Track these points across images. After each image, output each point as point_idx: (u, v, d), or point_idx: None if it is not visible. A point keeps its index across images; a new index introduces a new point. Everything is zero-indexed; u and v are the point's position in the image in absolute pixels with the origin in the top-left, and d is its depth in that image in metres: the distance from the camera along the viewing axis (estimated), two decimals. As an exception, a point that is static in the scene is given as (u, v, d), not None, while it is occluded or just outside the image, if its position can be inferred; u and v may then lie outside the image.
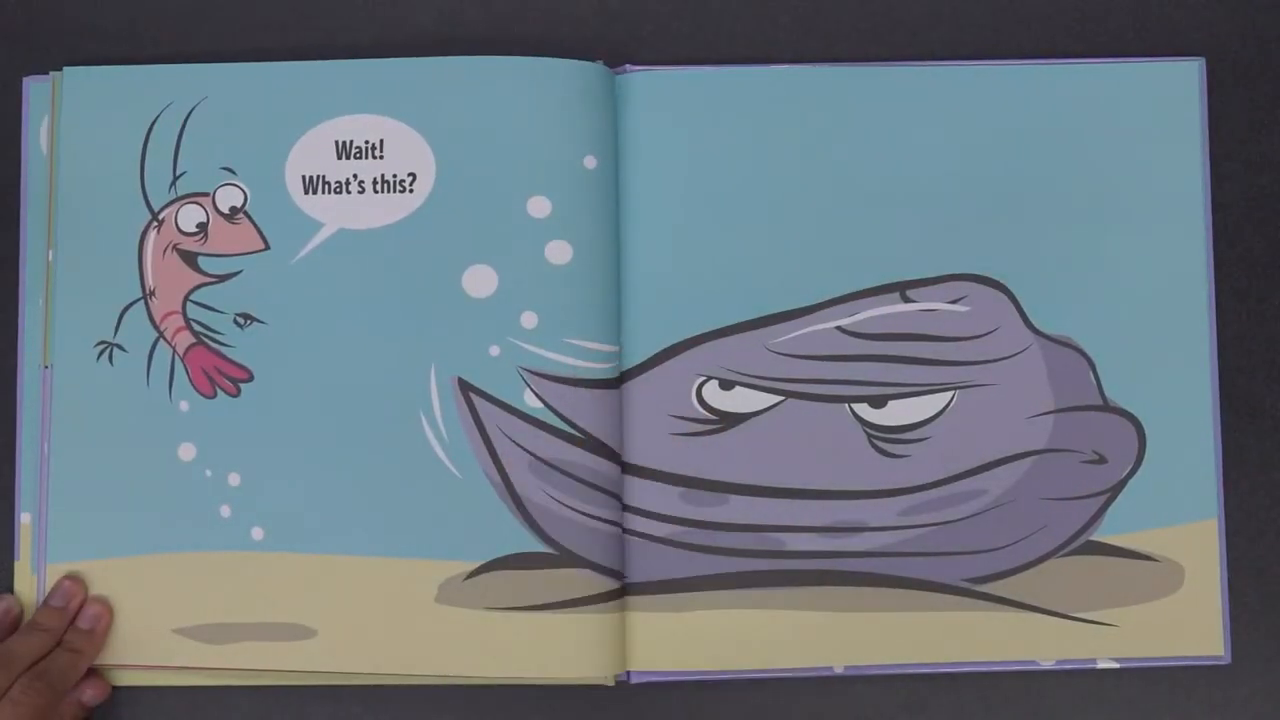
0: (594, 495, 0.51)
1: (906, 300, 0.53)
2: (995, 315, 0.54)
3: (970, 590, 0.53)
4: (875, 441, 0.53)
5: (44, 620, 0.50)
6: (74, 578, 0.51)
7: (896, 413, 0.53)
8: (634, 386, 0.53)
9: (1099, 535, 0.53)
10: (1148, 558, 0.53)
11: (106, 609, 0.51)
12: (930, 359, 0.53)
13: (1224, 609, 0.53)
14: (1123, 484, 0.54)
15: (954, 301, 0.54)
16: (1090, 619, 0.53)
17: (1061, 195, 0.54)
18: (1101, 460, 0.54)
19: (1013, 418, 0.54)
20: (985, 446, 0.53)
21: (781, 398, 0.53)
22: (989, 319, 0.54)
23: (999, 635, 0.53)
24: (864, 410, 0.53)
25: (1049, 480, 0.53)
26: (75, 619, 0.51)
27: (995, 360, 0.54)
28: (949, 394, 0.53)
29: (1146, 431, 0.54)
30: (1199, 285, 0.54)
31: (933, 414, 0.53)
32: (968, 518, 0.53)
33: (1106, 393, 0.54)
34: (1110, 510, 0.53)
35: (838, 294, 0.53)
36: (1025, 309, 0.54)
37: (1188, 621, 0.53)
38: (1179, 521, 0.53)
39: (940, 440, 0.53)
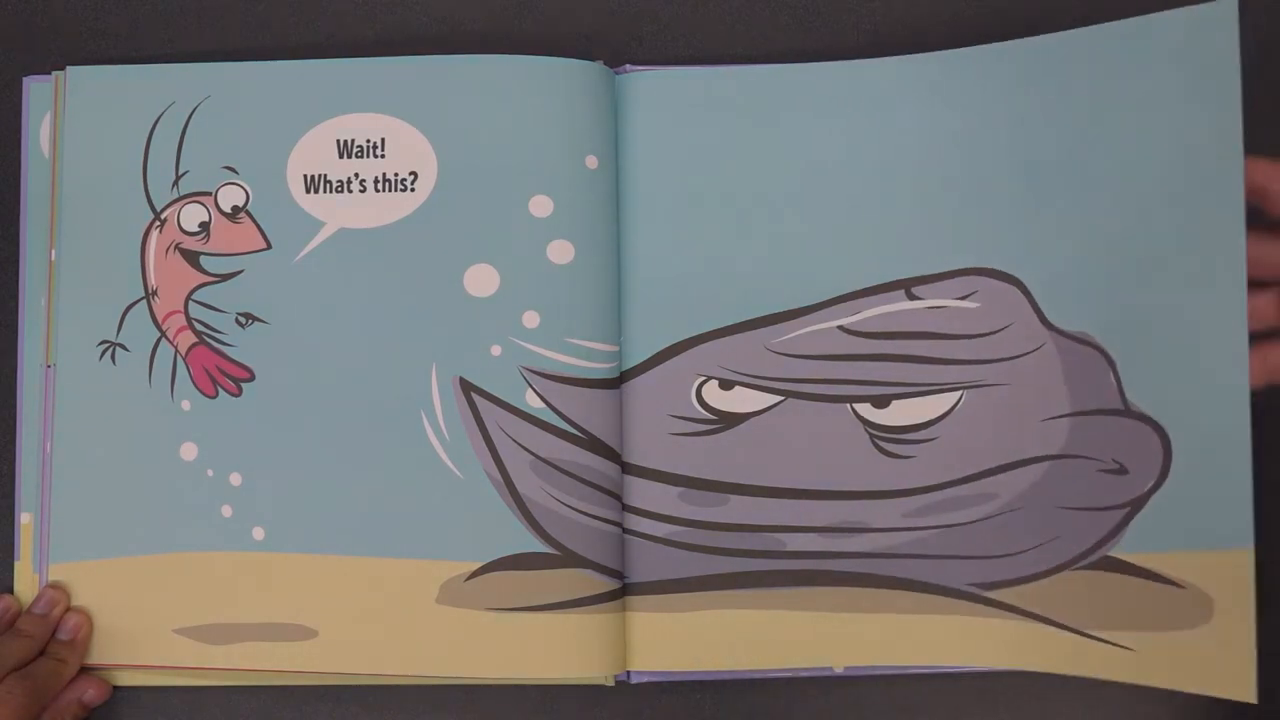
0: (595, 495, 0.51)
1: (912, 298, 0.52)
2: (1007, 311, 0.51)
3: (976, 595, 0.51)
4: (878, 441, 0.52)
5: (27, 627, 0.50)
6: (57, 586, 0.51)
7: (900, 413, 0.52)
8: (634, 386, 0.53)
9: (1118, 551, 0.49)
10: (1172, 583, 0.48)
11: (86, 619, 0.51)
12: (937, 358, 0.52)
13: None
14: (1145, 498, 0.49)
15: (963, 298, 0.52)
16: (1104, 638, 0.49)
17: (1077, 178, 0.50)
18: (1122, 470, 0.49)
19: (1026, 420, 0.51)
20: (996, 449, 0.51)
21: (781, 397, 0.52)
22: (1000, 315, 0.51)
23: (1005, 643, 0.51)
24: (866, 410, 0.52)
25: (1064, 488, 0.50)
26: (56, 629, 0.51)
27: (1007, 359, 0.51)
28: (957, 394, 0.52)
29: (1173, 442, 0.48)
30: (1236, 275, 0.46)
31: (939, 414, 0.52)
32: (975, 522, 0.51)
33: (1128, 396, 0.49)
34: (1132, 526, 0.49)
35: (840, 292, 0.52)
36: (1040, 303, 0.51)
37: (1214, 658, 0.47)
38: (1209, 546, 0.47)
39: (947, 441, 0.52)
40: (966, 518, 0.51)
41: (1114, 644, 0.49)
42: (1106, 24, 0.49)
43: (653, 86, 0.53)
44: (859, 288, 0.52)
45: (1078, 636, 0.50)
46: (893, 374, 0.52)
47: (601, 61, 0.53)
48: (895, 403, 0.52)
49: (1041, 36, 0.50)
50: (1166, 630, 0.48)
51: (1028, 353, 0.51)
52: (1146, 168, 0.48)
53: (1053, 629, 0.50)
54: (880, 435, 0.52)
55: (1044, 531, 0.50)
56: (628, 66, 0.54)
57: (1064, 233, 0.50)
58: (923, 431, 0.52)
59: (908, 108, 0.52)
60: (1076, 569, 0.50)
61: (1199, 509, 0.48)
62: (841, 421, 0.52)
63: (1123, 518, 0.49)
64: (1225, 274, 0.46)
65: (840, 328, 0.52)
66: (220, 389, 0.52)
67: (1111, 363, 0.50)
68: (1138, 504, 0.49)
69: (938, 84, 0.52)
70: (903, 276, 0.52)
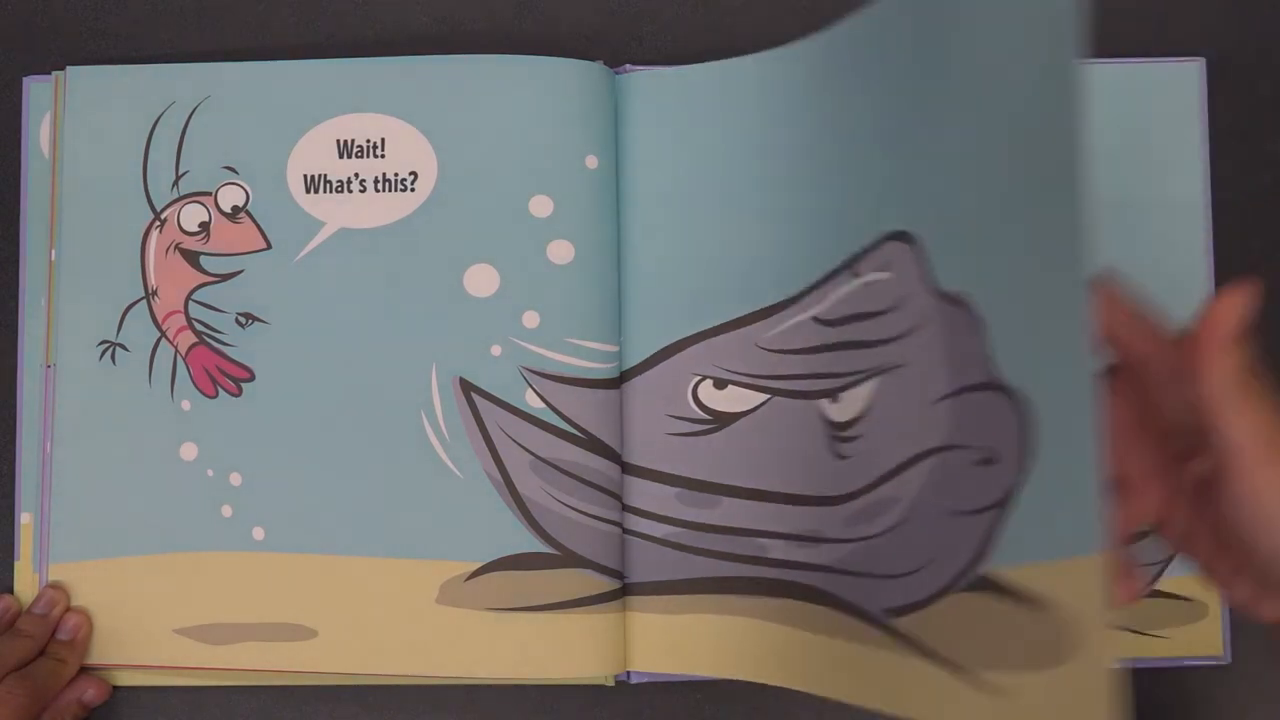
0: (595, 495, 0.51)
1: (855, 276, 0.47)
2: (908, 279, 0.43)
3: (884, 623, 0.42)
4: (831, 440, 0.48)
5: (27, 627, 0.50)
6: (57, 586, 0.52)
7: (846, 407, 0.47)
8: (633, 386, 0.52)
9: (990, 567, 0.37)
10: (1036, 603, 0.35)
11: (85, 619, 0.51)
12: (862, 341, 0.46)
13: (1224, 609, 0.51)
14: (1009, 494, 0.36)
15: (884, 269, 0.44)
16: (991, 679, 0.37)
17: (948, 124, 0.41)
18: (992, 460, 0.37)
19: (918, 406, 0.42)
20: (897, 444, 0.43)
21: (768, 396, 0.52)
22: (903, 284, 0.43)
23: (909, 689, 0.40)
24: (825, 406, 0.49)
25: (946, 488, 0.40)
26: (56, 629, 0.51)
27: (903, 336, 0.44)
28: (874, 380, 0.45)
29: (1035, 418, 0.35)
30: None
31: (865, 407, 0.46)
32: (884, 532, 0.44)
33: (995, 364, 0.38)
34: (1000, 531, 0.37)
35: (810, 281, 0.50)
36: (933, 264, 0.42)
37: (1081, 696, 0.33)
38: (1068, 554, 0.34)
39: (868, 438, 0.46)
40: (876, 528, 0.44)
41: (994, 688, 0.36)
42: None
43: (653, 86, 0.53)
44: (824, 272, 0.49)
45: (958, 681, 0.38)
46: (841, 364, 0.47)
47: (601, 61, 0.53)
48: (842, 395, 0.47)
49: None
50: (1042, 668, 0.35)
51: (918, 326, 0.43)
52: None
53: (944, 671, 0.39)
54: (832, 433, 0.48)
55: (932, 545, 0.40)
56: (628, 66, 0.54)
57: (940, 185, 0.41)
58: (855, 427, 0.46)
59: (900, 76, 0.44)
60: (958, 591, 0.39)
61: (1056, 504, 0.35)
62: (810, 419, 0.49)
63: (989, 523, 0.37)
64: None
65: (814, 318, 0.50)
66: (220, 389, 0.52)
67: (981, 324, 0.38)
68: (1002, 503, 0.37)
69: (848, 55, 0.47)
70: (849, 254, 0.47)
